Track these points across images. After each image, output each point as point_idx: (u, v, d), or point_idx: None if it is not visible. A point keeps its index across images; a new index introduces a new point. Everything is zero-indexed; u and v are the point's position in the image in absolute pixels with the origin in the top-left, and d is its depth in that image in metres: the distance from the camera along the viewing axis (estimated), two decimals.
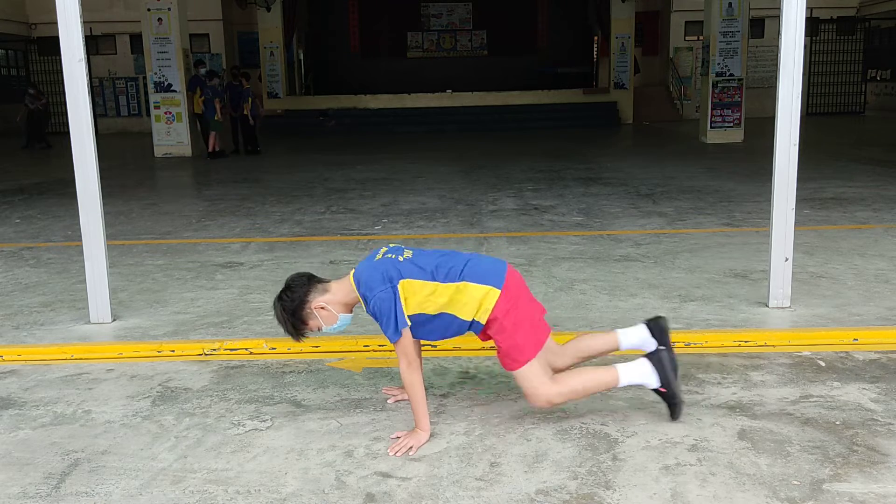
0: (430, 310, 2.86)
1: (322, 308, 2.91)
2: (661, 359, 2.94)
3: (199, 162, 14.25)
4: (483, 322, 2.88)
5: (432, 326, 2.91)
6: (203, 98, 14.49)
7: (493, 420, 3.04)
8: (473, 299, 2.85)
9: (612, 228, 6.83)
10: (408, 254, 2.94)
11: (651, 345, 3.11)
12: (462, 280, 2.86)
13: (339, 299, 2.94)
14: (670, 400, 2.96)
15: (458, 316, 2.87)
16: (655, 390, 2.98)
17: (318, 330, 2.97)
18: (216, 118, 14.59)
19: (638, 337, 3.13)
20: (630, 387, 3.02)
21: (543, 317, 3.01)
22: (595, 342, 3.16)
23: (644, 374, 2.95)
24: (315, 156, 14.32)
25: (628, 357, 3.10)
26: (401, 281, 2.83)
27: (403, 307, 2.81)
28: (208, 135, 14.62)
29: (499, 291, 2.85)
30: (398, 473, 2.65)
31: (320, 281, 2.98)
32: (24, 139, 18.13)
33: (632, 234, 6.54)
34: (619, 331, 3.19)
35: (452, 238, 6.63)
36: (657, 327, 3.13)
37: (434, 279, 2.85)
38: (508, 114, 20.70)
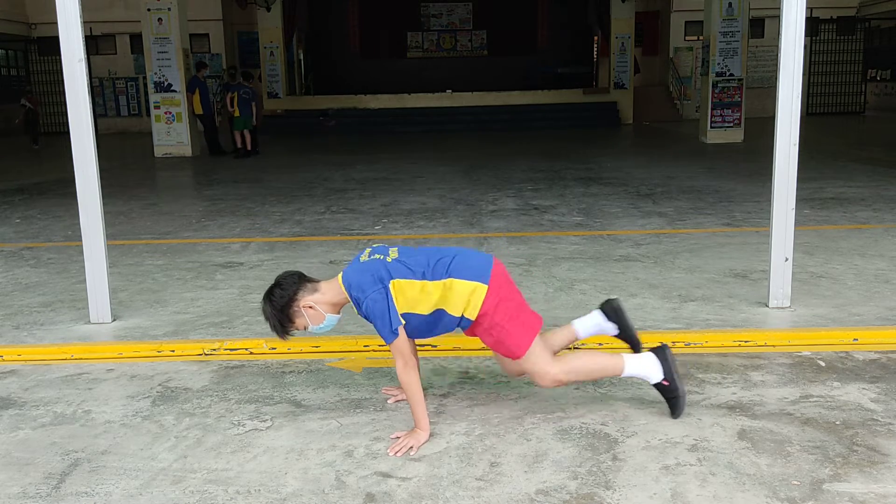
0: (422, 309, 2.87)
1: (310, 307, 2.93)
2: (667, 355, 2.99)
3: (199, 162, 14.25)
4: (472, 318, 2.89)
5: (423, 324, 2.92)
6: (232, 96, 14.71)
7: (493, 420, 3.04)
8: (461, 296, 2.86)
9: (612, 228, 6.83)
10: (394, 253, 2.94)
11: (610, 328, 3.19)
12: (449, 277, 2.87)
13: (327, 299, 2.95)
14: (671, 394, 2.98)
15: (448, 311, 2.89)
16: (657, 385, 3.00)
17: (305, 329, 2.97)
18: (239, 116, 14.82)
19: (593, 323, 3.21)
20: (632, 378, 3.06)
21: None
22: (556, 338, 3.19)
23: (648, 368, 2.98)
24: (315, 156, 14.32)
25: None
26: (392, 281, 2.84)
27: (396, 307, 2.82)
28: (234, 133, 14.83)
29: (486, 287, 2.87)
30: (398, 473, 2.65)
31: (310, 280, 2.99)
32: (29, 138, 18.35)
33: (632, 234, 6.54)
34: (574, 321, 3.24)
35: (452, 238, 6.63)
36: (610, 309, 3.20)
37: (423, 278, 2.87)
38: (508, 114, 20.68)
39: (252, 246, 6.45)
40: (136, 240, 6.83)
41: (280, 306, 2.91)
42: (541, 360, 2.93)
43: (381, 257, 2.91)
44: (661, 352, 3.01)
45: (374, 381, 3.48)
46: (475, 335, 3.01)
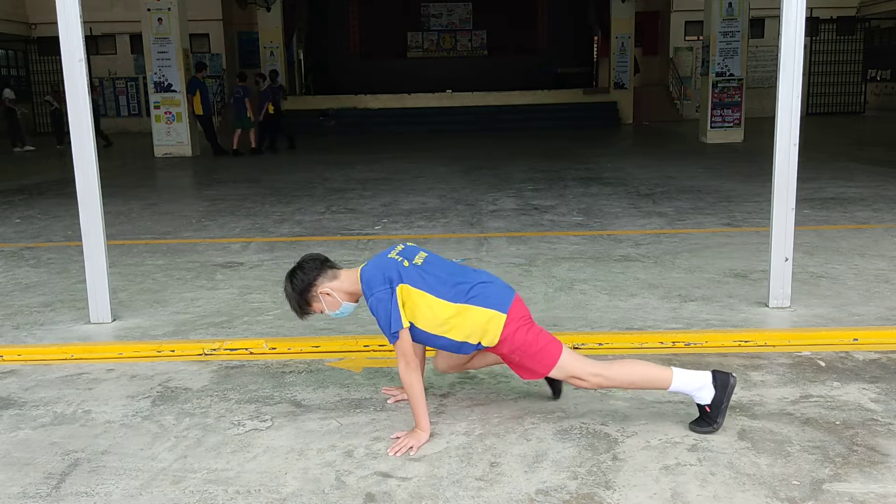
0: (425, 324, 2.84)
1: (327, 294, 2.94)
2: (728, 384, 2.85)
3: (199, 162, 14.25)
4: (492, 345, 2.88)
5: (429, 339, 2.90)
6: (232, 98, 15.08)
7: (493, 420, 3.04)
8: (476, 324, 2.83)
9: (612, 228, 6.83)
10: (419, 259, 2.92)
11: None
12: (467, 302, 2.83)
13: (345, 288, 2.96)
14: (709, 420, 2.88)
15: (455, 339, 2.85)
16: (699, 406, 2.90)
17: (322, 312, 3.00)
18: (248, 117, 15.12)
19: None
20: (677, 394, 2.96)
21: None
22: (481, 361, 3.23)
23: (699, 387, 2.86)
24: (315, 156, 14.32)
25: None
26: (400, 285, 2.82)
27: (401, 311, 2.81)
28: (234, 132, 15.03)
29: (504, 316, 2.83)
30: (398, 473, 2.65)
31: (332, 266, 3.00)
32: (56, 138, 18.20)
33: (632, 234, 6.54)
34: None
35: (452, 238, 6.63)
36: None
37: (436, 294, 2.83)
38: (508, 114, 20.68)
39: (252, 246, 6.45)
40: (136, 240, 6.83)
41: (300, 290, 2.94)
42: (575, 366, 2.87)
43: (401, 260, 2.90)
44: (721, 377, 2.87)
45: (374, 381, 3.48)
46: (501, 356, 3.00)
